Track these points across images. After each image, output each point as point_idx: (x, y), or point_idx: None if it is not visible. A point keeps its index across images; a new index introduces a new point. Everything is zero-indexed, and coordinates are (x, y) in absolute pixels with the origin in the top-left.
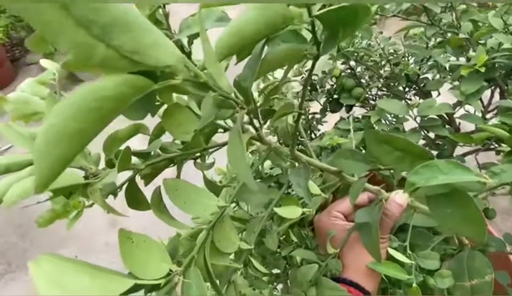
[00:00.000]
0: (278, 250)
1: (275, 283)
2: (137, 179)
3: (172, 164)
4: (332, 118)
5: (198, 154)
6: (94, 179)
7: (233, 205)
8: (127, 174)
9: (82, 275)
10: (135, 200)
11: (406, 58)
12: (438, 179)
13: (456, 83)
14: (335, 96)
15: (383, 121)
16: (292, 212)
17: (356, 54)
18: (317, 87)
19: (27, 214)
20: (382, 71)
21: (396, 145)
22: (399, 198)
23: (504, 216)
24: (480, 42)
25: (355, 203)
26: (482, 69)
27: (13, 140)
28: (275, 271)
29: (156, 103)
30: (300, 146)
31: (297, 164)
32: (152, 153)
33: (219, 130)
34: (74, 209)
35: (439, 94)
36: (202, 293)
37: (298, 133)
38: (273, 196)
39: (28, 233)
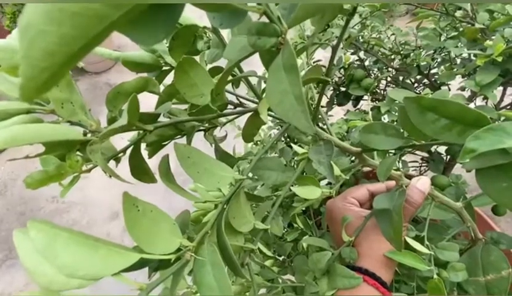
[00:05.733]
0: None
1: (279, 269)
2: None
3: (180, 136)
4: (332, 118)
5: (209, 125)
6: (95, 137)
7: (249, 181)
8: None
9: (78, 246)
10: (139, 168)
11: (418, 50)
12: (505, 144)
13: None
14: (343, 88)
15: (393, 113)
16: (310, 192)
17: (366, 44)
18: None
19: (30, 202)
20: (392, 63)
21: (445, 112)
22: (421, 184)
23: (508, 219)
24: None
25: (372, 191)
26: (499, 59)
27: (4, 89)
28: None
29: (164, 68)
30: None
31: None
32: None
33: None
34: (71, 170)
35: (449, 90)
36: (219, 272)
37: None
38: (291, 175)
39: None
